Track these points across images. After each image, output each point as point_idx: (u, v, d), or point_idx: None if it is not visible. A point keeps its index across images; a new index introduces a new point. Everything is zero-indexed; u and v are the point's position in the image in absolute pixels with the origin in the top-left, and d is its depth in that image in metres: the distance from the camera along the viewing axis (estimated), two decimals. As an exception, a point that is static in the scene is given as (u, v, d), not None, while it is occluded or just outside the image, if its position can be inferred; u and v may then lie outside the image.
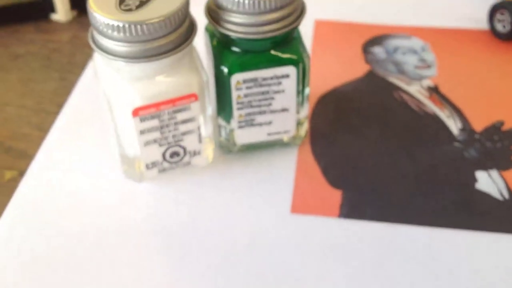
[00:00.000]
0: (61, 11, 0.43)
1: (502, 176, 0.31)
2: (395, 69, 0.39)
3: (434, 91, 0.37)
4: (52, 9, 0.44)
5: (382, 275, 0.28)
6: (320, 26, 0.43)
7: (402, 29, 0.42)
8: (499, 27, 0.41)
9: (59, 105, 0.37)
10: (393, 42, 0.41)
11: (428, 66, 0.39)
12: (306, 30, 0.42)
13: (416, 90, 0.37)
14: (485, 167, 0.32)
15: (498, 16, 0.40)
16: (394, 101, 0.36)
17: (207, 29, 0.31)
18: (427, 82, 0.37)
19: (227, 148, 0.33)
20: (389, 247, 0.29)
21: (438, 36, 0.41)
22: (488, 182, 0.31)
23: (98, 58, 0.29)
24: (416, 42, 0.41)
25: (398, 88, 0.37)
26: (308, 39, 0.41)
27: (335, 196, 0.31)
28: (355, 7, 0.44)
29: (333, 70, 0.39)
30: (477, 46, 0.40)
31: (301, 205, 0.31)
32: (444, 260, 0.28)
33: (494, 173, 0.32)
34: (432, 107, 0.36)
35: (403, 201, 0.31)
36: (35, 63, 0.40)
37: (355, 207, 0.30)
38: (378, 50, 0.40)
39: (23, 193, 0.32)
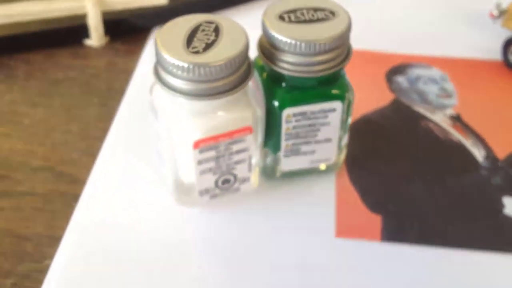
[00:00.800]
0: (95, 37, 0.45)
1: (527, 203, 0.34)
2: (418, 98, 0.41)
3: (457, 120, 0.39)
4: (85, 34, 0.45)
5: (425, 296, 0.30)
6: (344, 54, 0.45)
7: (422, 58, 0.44)
8: (512, 58, 0.44)
9: (104, 130, 0.38)
10: (415, 71, 0.43)
11: (449, 96, 0.41)
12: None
13: (441, 119, 0.39)
14: (510, 193, 0.35)
15: (511, 49, 0.43)
16: (421, 129, 0.39)
17: (255, 63, 0.33)
18: (450, 111, 0.40)
19: (271, 175, 0.35)
20: (428, 268, 0.31)
21: (455, 66, 0.44)
22: (515, 208, 0.34)
23: (158, 92, 0.31)
24: (435, 72, 0.43)
25: (423, 117, 0.40)
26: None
27: (375, 220, 0.33)
28: (376, 37, 0.47)
29: (361, 97, 0.41)
30: (492, 76, 0.43)
31: (344, 229, 0.33)
32: (478, 281, 0.31)
33: (520, 199, 0.34)
34: (457, 135, 0.38)
35: (438, 226, 0.33)
36: (75, 88, 0.42)
37: (396, 231, 0.33)
38: (401, 79, 0.43)
39: (78, 218, 0.33)
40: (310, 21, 0.31)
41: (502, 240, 0.32)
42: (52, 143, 0.38)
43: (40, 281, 0.30)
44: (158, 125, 0.32)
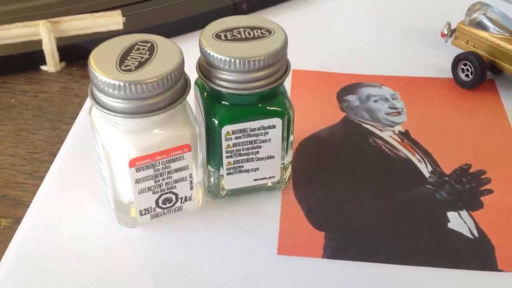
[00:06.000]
0: (50, 63, 0.45)
1: (471, 216, 0.34)
2: (368, 116, 0.41)
3: (405, 136, 0.40)
4: (41, 60, 0.46)
5: (365, 311, 0.30)
6: (297, 75, 0.45)
7: (373, 78, 0.45)
8: (462, 76, 0.44)
9: (53, 154, 0.38)
10: (365, 91, 0.44)
11: (399, 113, 0.42)
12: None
13: (389, 136, 0.40)
14: (456, 208, 0.35)
15: (461, 65, 0.44)
16: (369, 146, 0.39)
17: (196, 83, 0.34)
18: (399, 128, 0.40)
19: (216, 193, 0.35)
20: (370, 285, 0.31)
21: (406, 84, 0.44)
22: (459, 222, 0.34)
23: (95, 112, 0.31)
24: (386, 90, 0.44)
25: (372, 134, 0.40)
26: (286, 87, 0.44)
27: (318, 237, 0.33)
28: (329, 58, 0.47)
29: (311, 116, 0.42)
30: (442, 93, 0.44)
31: (287, 247, 0.33)
32: (421, 296, 0.30)
33: (464, 213, 0.34)
34: (404, 151, 0.38)
35: (382, 241, 0.33)
36: (27, 113, 0.42)
37: (337, 248, 0.33)
38: (352, 98, 0.43)
39: (19, 241, 0.33)
40: (246, 39, 0.31)
41: (446, 255, 0.32)
42: (-1, 167, 0.38)
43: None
44: (97, 145, 0.32)
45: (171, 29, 0.48)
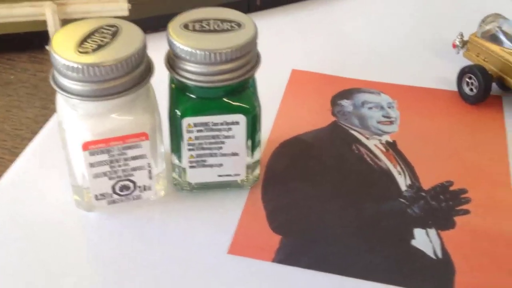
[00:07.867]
0: (55, 44, 0.46)
1: (439, 236, 0.32)
2: (358, 122, 0.40)
3: (391, 146, 0.38)
4: (47, 41, 0.46)
5: (304, 322, 0.29)
6: (295, 75, 0.44)
7: (374, 84, 0.43)
8: (466, 90, 0.42)
9: (34, 132, 0.39)
10: (361, 97, 0.42)
11: (391, 122, 0.40)
12: (282, 77, 0.44)
13: (374, 145, 0.38)
14: (424, 225, 0.33)
15: (466, 79, 0.42)
16: (351, 153, 0.38)
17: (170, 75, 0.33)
18: (387, 138, 0.39)
19: (180, 186, 0.35)
20: (318, 295, 0.30)
21: (406, 94, 0.42)
22: (424, 240, 0.32)
23: (59, 94, 0.31)
24: (384, 98, 0.42)
25: (356, 141, 0.38)
26: (283, 86, 0.43)
27: (274, 241, 0.32)
28: (333, 61, 0.46)
29: (300, 118, 0.40)
30: (443, 106, 0.42)
31: (239, 247, 0.32)
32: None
33: (432, 231, 0.32)
34: (386, 162, 0.37)
35: (341, 252, 0.32)
36: (22, 90, 0.43)
37: (291, 254, 0.31)
38: (346, 103, 0.42)
39: (-16, 213, 0.34)
40: (214, 31, 0.30)
41: (403, 273, 0.31)
42: (-19, 140, 0.39)
43: None
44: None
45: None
